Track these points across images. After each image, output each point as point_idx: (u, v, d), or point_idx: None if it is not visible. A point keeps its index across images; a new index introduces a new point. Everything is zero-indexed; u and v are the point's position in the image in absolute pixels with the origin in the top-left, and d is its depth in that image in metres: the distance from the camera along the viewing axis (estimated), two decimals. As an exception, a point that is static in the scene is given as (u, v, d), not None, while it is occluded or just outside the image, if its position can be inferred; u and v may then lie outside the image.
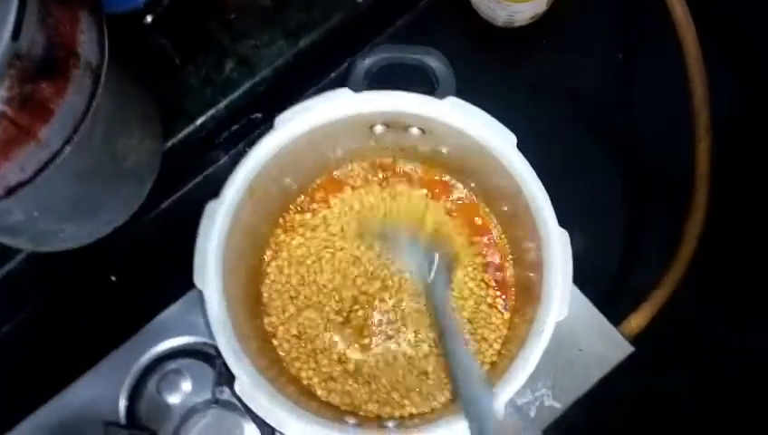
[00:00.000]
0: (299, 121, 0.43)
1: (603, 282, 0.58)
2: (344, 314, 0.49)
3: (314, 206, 0.51)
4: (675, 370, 0.57)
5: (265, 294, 0.49)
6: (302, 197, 0.51)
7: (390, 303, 0.48)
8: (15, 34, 0.36)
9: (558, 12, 0.63)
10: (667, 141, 0.61)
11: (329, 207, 0.51)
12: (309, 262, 0.50)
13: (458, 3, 0.64)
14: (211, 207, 0.43)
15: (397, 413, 0.46)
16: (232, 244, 0.43)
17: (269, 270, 0.50)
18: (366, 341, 0.48)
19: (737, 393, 0.57)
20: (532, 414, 0.51)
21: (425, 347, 0.48)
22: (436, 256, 0.46)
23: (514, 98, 0.54)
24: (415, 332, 0.48)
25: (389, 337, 0.48)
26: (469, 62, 0.50)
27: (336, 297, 0.49)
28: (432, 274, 0.45)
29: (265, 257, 0.50)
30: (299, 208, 0.51)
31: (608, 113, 0.64)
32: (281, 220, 0.51)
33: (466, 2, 0.64)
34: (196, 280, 0.42)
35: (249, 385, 0.40)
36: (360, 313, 0.49)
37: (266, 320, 0.49)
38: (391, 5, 0.62)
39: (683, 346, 0.57)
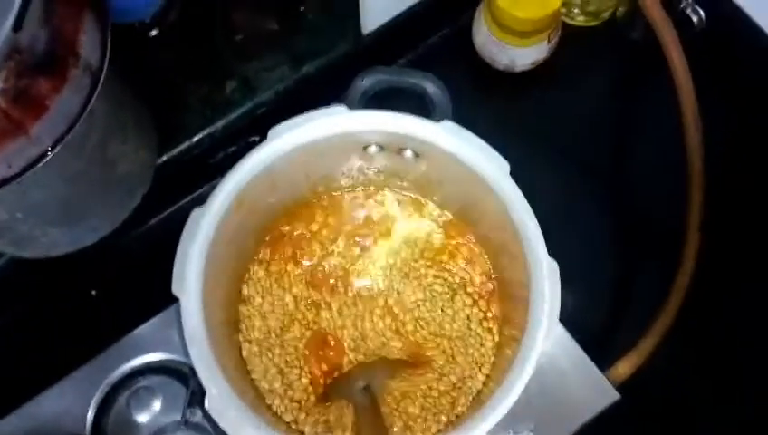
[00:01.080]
0: (292, 134, 0.43)
1: (592, 328, 0.57)
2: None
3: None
4: (656, 423, 0.55)
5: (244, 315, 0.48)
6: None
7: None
8: (17, 26, 0.36)
9: (559, 61, 0.64)
10: (659, 192, 0.61)
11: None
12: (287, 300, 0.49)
13: (462, 45, 0.65)
14: (196, 213, 0.42)
15: None
16: (214, 255, 0.42)
17: (248, 293, 0.49)
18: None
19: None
20: (514, 458, 0.49)
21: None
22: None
23: (507, 139, 0.55)
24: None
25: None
26: (467, 102, 0.50)
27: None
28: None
29: (244, 287, 0.49)
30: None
31: (601, 163, 0.64)
32: (267, 239, 0.50)
33: (470, 44, 0.65)
34: (175, 287, 0.41)
35: (219, 400, 0.38)
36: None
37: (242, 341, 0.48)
38: (396, 41, 0.63)
39: (667, 399, 0.56)
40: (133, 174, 0.52)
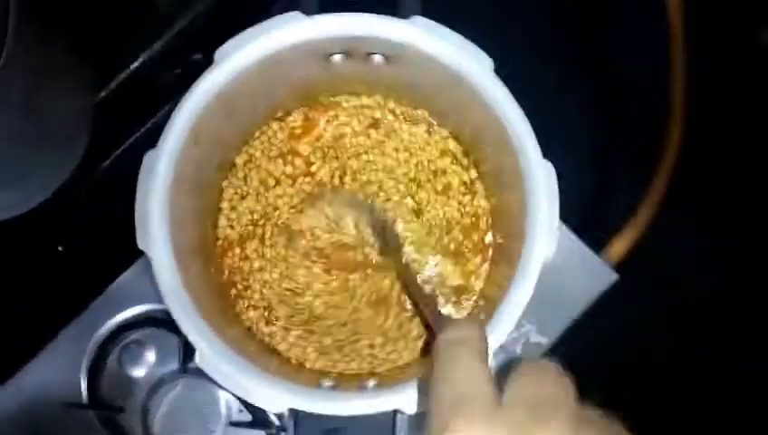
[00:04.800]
0: (243, 53, 0.38)
1: (582, 209, 0.55)
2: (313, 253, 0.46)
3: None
4: (655, 300, 0.55)
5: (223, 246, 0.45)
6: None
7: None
8: None
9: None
10: (641, 57, 0.57)
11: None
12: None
13: None
14: (149, 158, 0.38)
15: (364, 367, 0.43)
16: (178, 198, 0.38)
17: (222, 223, 0.46)
18: (333, 281, 0.45)
19: (713, 325, 0.55)
20: (519, 351, 0.49)
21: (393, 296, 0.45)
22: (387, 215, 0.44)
23: (480, 22, 0.50)
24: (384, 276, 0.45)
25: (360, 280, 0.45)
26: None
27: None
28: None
29: (221, 210, 0.46)
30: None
31: (582, 38, 0.60)
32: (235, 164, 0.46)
33: None
34: (140, 242, 0.37)
35: (212, 355, 0.36)
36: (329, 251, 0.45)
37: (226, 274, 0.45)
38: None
39: (662, 275, 0.55)
40: (71, 120, 0.46)
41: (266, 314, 0.44)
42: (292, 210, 0.45)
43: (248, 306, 0.45)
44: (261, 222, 0.45)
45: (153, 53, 0.51)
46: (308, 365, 0.43)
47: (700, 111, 0.51)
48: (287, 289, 0.45)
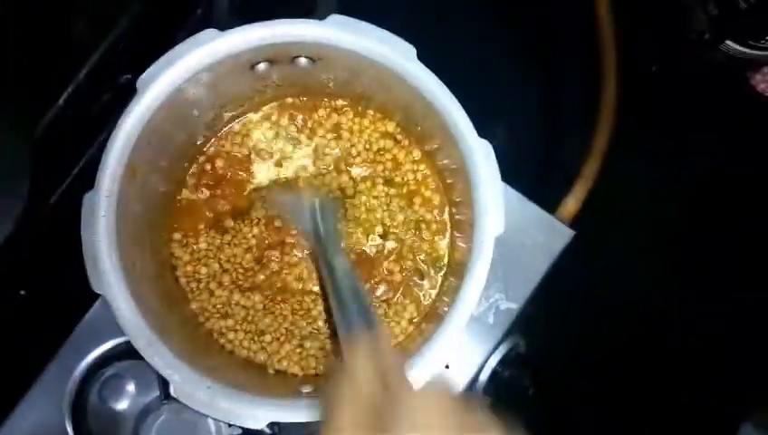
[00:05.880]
0: (164, 78, 0.37)
1: (532, 175, 0.56)
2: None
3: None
4: (614, 248, 0.56)
5: (182, 279, 0.45)
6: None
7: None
8: None
9: None
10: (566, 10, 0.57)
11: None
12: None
13: None
14: (89, 199, 0.37)
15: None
16: (126, 233, 0.38)
17: (177, 253, 0.46)
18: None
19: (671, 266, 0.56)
20: (491, 321, 0.50)
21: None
22: (316, 201, 0.43)
23: (400, 13, 0.49)
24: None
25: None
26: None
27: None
28: (316, 221, 0.43)
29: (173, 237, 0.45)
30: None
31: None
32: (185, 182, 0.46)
33: None
34: (95, 286, 0.37)
35: (186, 384, 0.36)
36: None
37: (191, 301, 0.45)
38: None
39: (619, 224, 0.56)
40: (8, 163, 0.45)
41: (253, 335, 0.45)
42: (249, 258, 0.45)
43: (228, 329, 0.45)
44: (226, 266, 0.46)
45: (78, 83, 0.50)
46: (291, 372, 0.43)
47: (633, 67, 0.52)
48: (270, 312, 0.45)
